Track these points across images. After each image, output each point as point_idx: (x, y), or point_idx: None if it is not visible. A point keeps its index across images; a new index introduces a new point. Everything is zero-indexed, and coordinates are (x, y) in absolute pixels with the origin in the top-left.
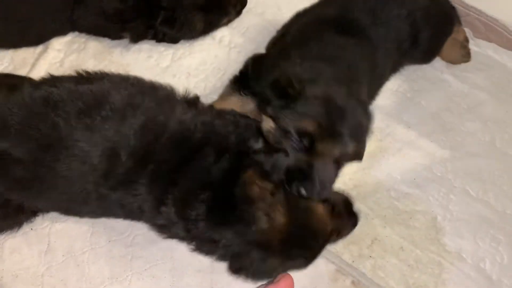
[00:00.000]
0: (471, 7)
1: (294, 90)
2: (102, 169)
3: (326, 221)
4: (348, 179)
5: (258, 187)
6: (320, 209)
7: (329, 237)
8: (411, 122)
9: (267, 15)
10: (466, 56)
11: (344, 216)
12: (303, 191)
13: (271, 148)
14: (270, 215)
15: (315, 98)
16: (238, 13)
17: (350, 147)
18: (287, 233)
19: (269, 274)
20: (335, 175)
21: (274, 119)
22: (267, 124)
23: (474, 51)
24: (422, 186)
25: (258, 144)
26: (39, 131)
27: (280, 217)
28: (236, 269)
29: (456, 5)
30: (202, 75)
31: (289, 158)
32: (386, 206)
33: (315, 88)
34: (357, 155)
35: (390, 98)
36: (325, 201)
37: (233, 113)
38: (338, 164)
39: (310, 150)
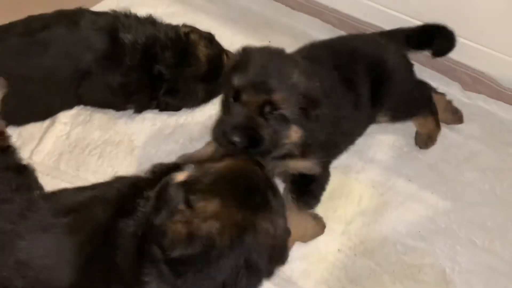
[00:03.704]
0: (457, 62)
1: None
2: None
3: None
4: (354, 235)
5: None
6: None
7: None
8: (411, 175)
9: None
10: (457, 119)
11: None
12: None
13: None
14: None
15: None
16: None
17: None
18: None
19: None
20: None
21: None
22: None
23: (465, 102)
24: (427, 239)
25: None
26: None
27: None
28: None
29: (443, 61)
30: (204, 140)
31: None
32: (393, 261)
33: None
34: None
35: (388, 152)
36: None
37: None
38: None
39: None
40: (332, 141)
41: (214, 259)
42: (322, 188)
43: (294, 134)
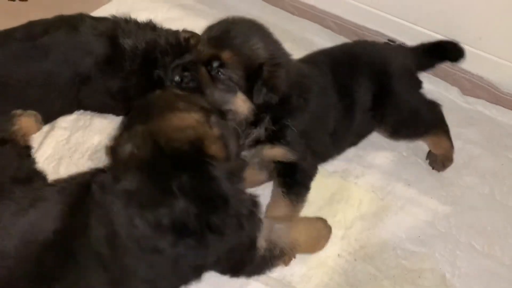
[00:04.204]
0: (457, 67)
1: None
2: None
3: None
4: (354, 240)
5: None
6: None
7: None
8: (410, 180)
9: None
10: None
11: None
12: None
13: None
14: None
15: None
16: None
17: None
18: None
19: None
20: None
21: None
22: None
23: (464, 107)
24: (427, 243)
25: None
26: None
27: None
28: None
29: (442, 66)
30: None
31: None
32: (394, 265)
33: None
34: None
35: (387, 157)
36: None
37: None
38: None
39: None
40: (311, 135)
41: (150, 174)
42: (308, 176)
43: (241, 103)
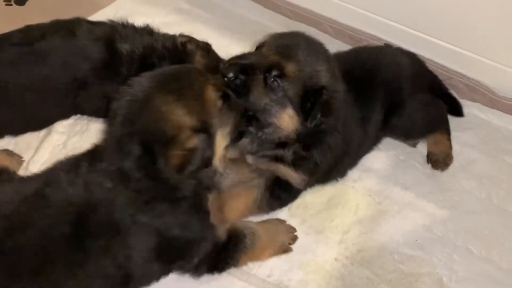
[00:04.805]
0: (453, 70)
1: None
2: None
3: None
4: (351, 244)
5: None
6: None
7: None
8: (407, 184)
9: None
10: None
11: None
12: None
13: None
14: None
15: None
16: None
17: None
18: None
19: None
20: None
21: None
22: None
23: None
24: (424, 248)
25: None
26: None
27: None
28: None
29: (438, 69)
30: None
31: None
32: (391, 270)
33: None
34: None
35: (384, 161)
36: None
37: None
38: None
39: None
40: (329, 171)
41: (123, 127)
42: (293, 198)
43: (288, 118)
